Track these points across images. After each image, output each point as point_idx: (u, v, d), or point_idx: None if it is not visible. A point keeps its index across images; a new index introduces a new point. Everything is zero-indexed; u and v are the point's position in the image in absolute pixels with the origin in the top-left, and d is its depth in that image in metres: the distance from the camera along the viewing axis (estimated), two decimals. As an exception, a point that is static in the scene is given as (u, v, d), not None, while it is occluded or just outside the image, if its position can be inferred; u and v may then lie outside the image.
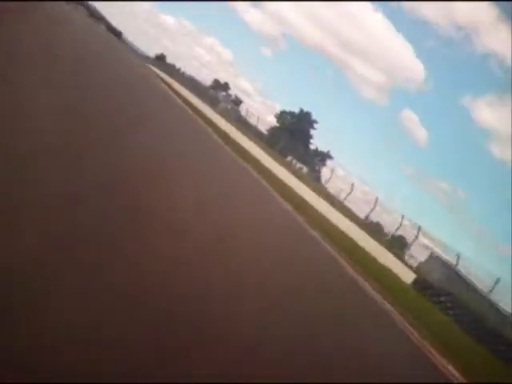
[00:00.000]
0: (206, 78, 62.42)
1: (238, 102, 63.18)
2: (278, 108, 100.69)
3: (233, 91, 72.35)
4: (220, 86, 70.47)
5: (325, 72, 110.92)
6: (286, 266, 5.79)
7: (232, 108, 47.00)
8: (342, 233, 15.48)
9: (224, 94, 67.47)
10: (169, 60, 71.91)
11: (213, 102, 41.63)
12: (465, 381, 5.82)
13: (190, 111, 21.36)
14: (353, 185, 22.10)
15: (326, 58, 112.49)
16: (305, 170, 38.33)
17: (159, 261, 2.95)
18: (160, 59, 68.75)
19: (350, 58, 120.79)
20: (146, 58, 71.77)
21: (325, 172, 42.80)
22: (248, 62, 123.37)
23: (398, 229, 20.03)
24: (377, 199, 21.40)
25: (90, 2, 49.23)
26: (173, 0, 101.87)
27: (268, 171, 18.76)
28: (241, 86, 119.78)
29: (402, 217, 19.98)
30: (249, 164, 16.00)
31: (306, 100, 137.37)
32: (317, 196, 19.54)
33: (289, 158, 37.49)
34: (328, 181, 24.42)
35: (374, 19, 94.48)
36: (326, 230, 12.15)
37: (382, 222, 23.29)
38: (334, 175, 24.96)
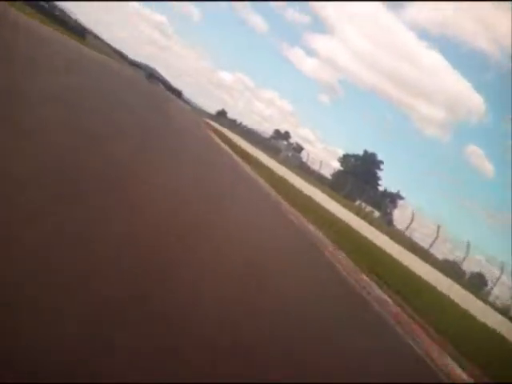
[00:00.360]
0: (266, 131, 62.88)
1: (299, 149, 61.99)
2: (341, 153, 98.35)
3: (294, 139, 71.70)
4: (281, 135, 70.18)
5: (384, 113, 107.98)
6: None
7: (293, 155, 45.62)
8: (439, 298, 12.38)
9: (285, 143, 66.76)
10: (230, 115, 73.61)
11: (274, 152, 40.61)
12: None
13: (246, 165, 20.04)
14: (438, 228, 18.74)
15: (384, 100, 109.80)
16: (376, 213, 34.91)
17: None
18: (221, 115, 70.41)
19: (408, 97, 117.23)
20: (207, 114, 74.03)
21: (396, 213, 39.18)
22: (307, 111, 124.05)
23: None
24: (468, 245, 17.85)
25: (148, 65, 52.49)
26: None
27: (336, 220, 16.31)
28: (302, 134, 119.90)
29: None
30: (308, 215, 13.61)
31: (368, 143, 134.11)
32: (395, 244, 16.60)
33: (357, 202, 34.56)
34: (408, 227, 21.10)
35: (429, 56, 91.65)
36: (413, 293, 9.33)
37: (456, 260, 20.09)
38: (406, 215, 21.82)
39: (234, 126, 55.93)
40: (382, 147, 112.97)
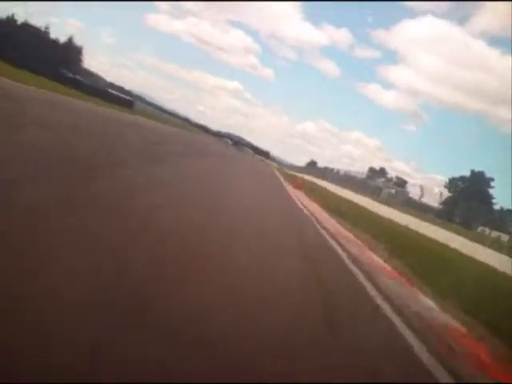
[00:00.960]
0: (360, 171, 60.32)
1: (401, 183, 57.65)
2: (440, 179, 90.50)
3: (391, 175, 67.78)
4: (376, 172, 66.70)
5: (472, 127, 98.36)
6: None
7: (397, 191, 42.06)
8: None
9: (383, 179, 63.09)
10: (320, 164, 72.49)
11: (374, 192, 37.75)
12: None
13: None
14: None
15: (472, 115, 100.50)
16: (503, 236, 29.54)
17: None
18: (310, 165, 69.55)
19: (495, 108, 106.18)
20: (297, 168, 73.62)
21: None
22: (396, 143, 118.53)
23: None
24: None
25: (231, 133, 54.77)
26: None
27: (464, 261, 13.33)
28: (397, 167, 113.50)
29: None
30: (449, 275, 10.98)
31: (468, 163, 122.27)
32: None
33: (479, 229, 29.86)
34: None
35: (505, 62, 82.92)
36: None
37: None
38: None
39: (326, 173, 54.58)
40: (484, 163, 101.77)
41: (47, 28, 49.04)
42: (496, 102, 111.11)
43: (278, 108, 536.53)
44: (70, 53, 50.23)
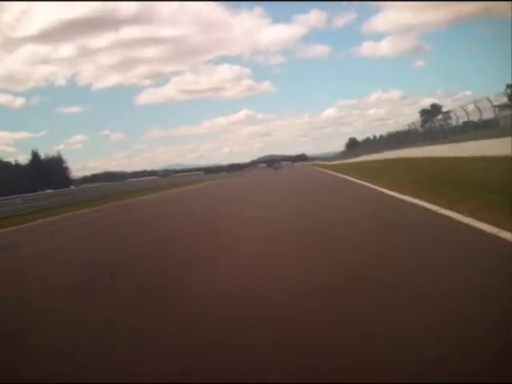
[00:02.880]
0: (408, 123, 51.94)
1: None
2: (470, 94, 77.67)
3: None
4: (430, 112, 57.35)
5: (484, 32, 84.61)
6: None
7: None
8: None
9: (440, 116, 53.14)
10: (359, 138, 64.80)
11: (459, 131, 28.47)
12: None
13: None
14: None
15: (476, 18, 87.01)
16: None
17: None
18: (352, 145, 62.23)
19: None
20: (337, 156, 66.41)
21: None
22: (414, 83, 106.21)
23: None
24: None
25: (265, 155, 50.86)
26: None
27: None
28: (426, 104, 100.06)
29: None
30: None
31: (491, 72, 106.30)
32: None
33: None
34: None
35: None
36: None
37: None
38: None
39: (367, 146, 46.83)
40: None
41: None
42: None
43: (293, 110, 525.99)
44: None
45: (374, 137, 45.71)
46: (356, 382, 2.03)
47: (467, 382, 1.96)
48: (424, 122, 55.59)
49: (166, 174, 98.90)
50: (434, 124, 43.89)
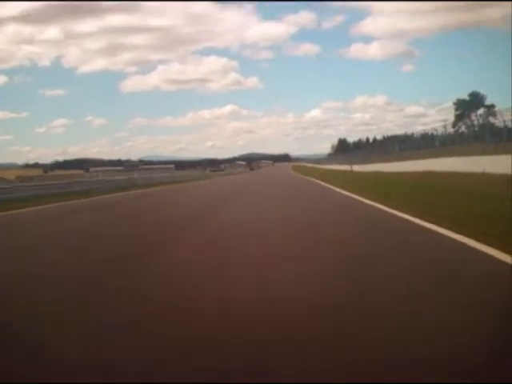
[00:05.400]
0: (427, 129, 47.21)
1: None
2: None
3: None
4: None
5: (473, 41, 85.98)
6: None
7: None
8: None
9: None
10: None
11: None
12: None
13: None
14: None
15: (464, 28, 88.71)
16: None
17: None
18: (339, 150, 62.16)
19: (483, 9, 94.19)
20: (322, 159, 66.04)
21: None
22: (401, 89, 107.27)
23: None
24: None
25: (243, 154, 49.76)
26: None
27: None
28: (409, 113, 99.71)
29: None
30: None
31: (480, 79, 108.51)
32: None
33: None
34: None
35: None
36: None
37: None
38: None
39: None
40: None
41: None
42: (483, 5, 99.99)
43: (278, 108, 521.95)
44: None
45: (367, 140, 43.07)
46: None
47: (467, 382, 2.00)
48: (459, 118, 44.73)
49: (133, 166, 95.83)
50: (470, 122, 35.35)
